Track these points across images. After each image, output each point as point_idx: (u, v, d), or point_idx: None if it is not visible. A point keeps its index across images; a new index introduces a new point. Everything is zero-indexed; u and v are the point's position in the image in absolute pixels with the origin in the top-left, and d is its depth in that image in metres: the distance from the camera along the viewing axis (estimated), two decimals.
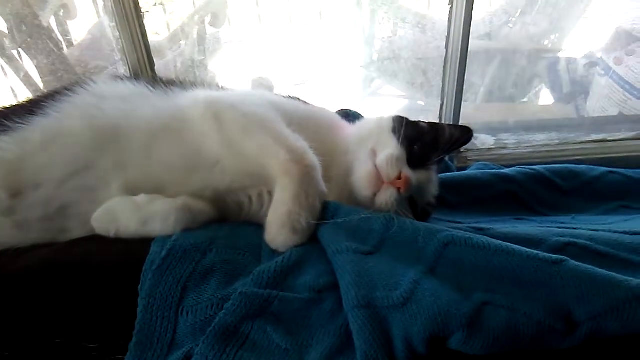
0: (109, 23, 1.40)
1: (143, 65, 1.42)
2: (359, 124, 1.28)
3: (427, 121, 1.26)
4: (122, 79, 1.20)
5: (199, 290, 0.88)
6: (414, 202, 1.10)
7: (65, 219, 1.04)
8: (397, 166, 1.05)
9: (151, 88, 1.16)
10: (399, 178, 1.03)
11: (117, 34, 1.37)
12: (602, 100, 2.56)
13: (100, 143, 1.04)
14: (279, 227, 0.97)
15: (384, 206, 1.03)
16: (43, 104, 1.08)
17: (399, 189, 1.03)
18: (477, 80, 2.74)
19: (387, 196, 1.03)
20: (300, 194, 0.97)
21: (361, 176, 1.07)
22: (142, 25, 1.38)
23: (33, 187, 1.02)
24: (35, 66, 1.82)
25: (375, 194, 1.05)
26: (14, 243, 1.01)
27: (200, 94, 1.15)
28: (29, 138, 1.03)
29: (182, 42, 2.50)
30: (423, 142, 1.14)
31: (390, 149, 1.09)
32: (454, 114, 1.65)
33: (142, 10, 1.36)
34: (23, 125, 1.04)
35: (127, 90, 1.15)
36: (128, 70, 1.43)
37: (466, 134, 1.28)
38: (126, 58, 1.41)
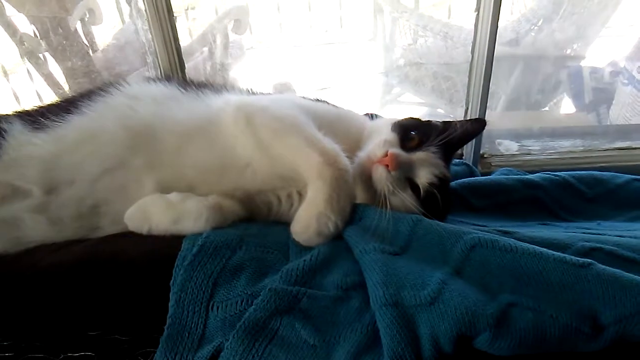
0: (141, 26, 1.43)
1: (174, 68, 1.45)
2: (372, 123, 1.29)
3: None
4: (154, 81, 1.22)
5: (229, 286, 0.90)
6: (415, 185, 1.09)
7: (98, 216, 1.06)
8: (384, 147, 1.07)
9: (183, 90, 1.18)
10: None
11: (150, 36, 1.40)
12: (625, 109, 2.54)
13: (133, 143, 1.07)
14: (306, 226, 0.98)
15: (379, 186, 1.04)
16: (79, 103, 1.11)
17: (387, 166, 1.04)
18: (499, 88, 2.73)
19: (378, 175, 1.04)
20: (333, 197, 0.98)
21: (356, 165, 1.08)
22: (174, 28, 1.41)
23: (67, 185, 1.04)
24: (68, 68, 1.86)
25: (370, 177, 1.06)
26: (48, 240, 1.03)
27: (232, 97, 1.17)
28: (65, 136, 1.05)
29: (205, 49, 2.53)
30: (421, 129, 1.16)
31: (382, 135, 1.12)
32: None
33: (175, 14, 1.39)
34: (59, 123, 1.07)
35: (159, 91, 1.17)
36: (159, 73, 1.46)
37: (477, 123, 1.25)
38: (158, 60, 1.43)
